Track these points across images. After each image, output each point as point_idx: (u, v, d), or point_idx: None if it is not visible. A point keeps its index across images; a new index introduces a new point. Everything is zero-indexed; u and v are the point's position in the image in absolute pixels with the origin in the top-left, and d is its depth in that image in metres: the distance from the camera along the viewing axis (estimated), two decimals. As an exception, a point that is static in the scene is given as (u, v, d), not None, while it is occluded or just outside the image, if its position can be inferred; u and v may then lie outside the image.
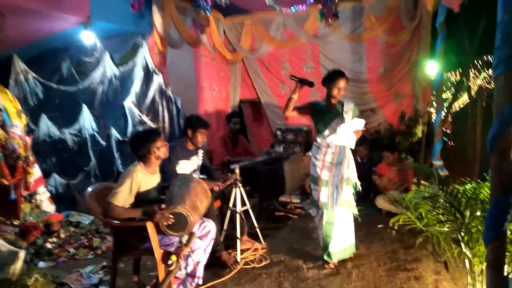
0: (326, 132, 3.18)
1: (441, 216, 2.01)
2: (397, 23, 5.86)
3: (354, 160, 5.15)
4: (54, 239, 4.01)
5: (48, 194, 4.53)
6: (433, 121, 7.85)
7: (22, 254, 2.73)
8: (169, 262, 2.42)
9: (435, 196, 1.97)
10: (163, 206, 2.54)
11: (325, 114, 3.20)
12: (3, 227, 3.90)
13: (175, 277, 2.72)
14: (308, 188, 5.17)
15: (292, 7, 4.64)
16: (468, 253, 1.92)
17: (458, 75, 7.82)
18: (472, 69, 8.31)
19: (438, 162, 4.05)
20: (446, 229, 1.97)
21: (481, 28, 6.47)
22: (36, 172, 4.36)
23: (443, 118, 6.99)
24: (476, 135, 6.24)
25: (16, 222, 4.07)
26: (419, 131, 5.75)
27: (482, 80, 7.94)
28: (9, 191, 4.02)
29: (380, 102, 6.21)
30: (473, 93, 7.64)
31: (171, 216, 2.52)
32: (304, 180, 4.99)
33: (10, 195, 4.02)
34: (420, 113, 5.72)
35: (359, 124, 3.15)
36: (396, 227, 2.27)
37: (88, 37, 4.47)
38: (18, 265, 2.67)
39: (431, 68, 7.12)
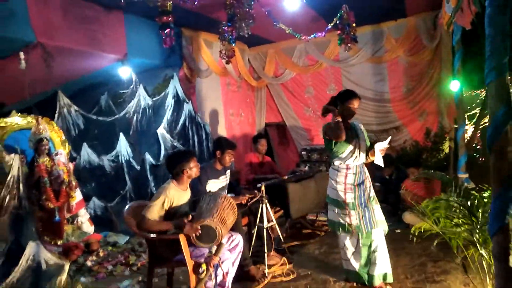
0: (346, 152, 3.09)
1: (456, 219, 2.08)
2: (417, 43, 6.01)
3: (382, 178, 5.24)
4: (94, 258, 4.27)
5: (88, 216, 4.85)
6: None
7: (67, 266, 2.97)
8: (200, 270, 2.58)
9: (448, 199, 2.05)
10: (190, 217, 2.74)
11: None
12: (48, 246, 4.21)
13: (206, 287, 2.87)
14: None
15: (312, 35, 4.85)
16: (484, 253, 1.96)
17: (484, 92, 7.73)
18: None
19: (463, 175, 4.04)
20: (460, 230, 2.02)
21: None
22: (77, 195, 4.71)
23: (471, 134, 6.94)
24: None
25: (59, 242, 4.38)
26: (446, 147, 5.72)
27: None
28: (54, 214, 4.36)
29: (404, 120, 6.26)
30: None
31: (200, 228, 2.70)
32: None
33: (55, 217, 4.36)
34: (446, 129, 5.71)
35: (386, 142, 3.10)
36: (416, 234, 2.34)
37: (125, 72, 4.90)
38: (63, 277, 2.91)
39: (455, 85, 7.13)
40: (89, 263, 4.12)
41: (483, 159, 7.39)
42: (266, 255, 3.58)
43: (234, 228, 3.27)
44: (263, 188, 3.73)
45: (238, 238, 3.15)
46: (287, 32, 4.41)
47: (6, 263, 2.80)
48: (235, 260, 3.07)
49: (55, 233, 4.40)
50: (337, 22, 4.74)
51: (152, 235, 2.85)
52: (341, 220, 3.10)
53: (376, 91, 6.39)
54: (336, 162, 3.16)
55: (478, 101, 8.42)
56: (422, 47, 5.92)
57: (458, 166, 4.19)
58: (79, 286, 2.98)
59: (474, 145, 7.16)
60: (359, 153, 3.11)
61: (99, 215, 5.21)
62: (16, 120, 4.60)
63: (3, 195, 2.84)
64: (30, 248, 2.81)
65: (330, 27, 4.69)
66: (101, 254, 4.40)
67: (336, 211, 3.15)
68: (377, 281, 3.04)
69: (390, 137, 3.16)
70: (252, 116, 7.27)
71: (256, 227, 3.80)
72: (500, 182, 1.42)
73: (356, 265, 3.12)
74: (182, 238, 2.72)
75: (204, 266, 2.59)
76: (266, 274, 3.47)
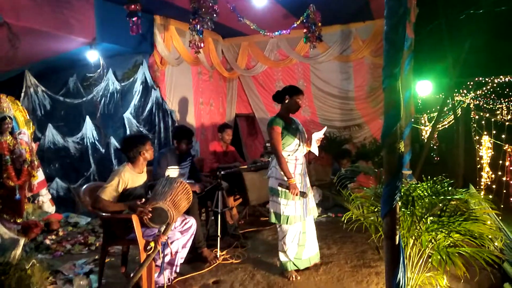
0: (293, 145, 3.23)
1: (371, 207, 2.33)
2: (382, 45, 6.29)
3: (338, 171, 5.53)
4: (53, 237, 4.36)
5: (50, 196, 4.92)
6: (422, 137, 8.19)
7: (21, 241, 3.08)
8: (148, 247, 2.75)
9: (363, 188, 2.32)
10: (143, 200, 2.89)
11: (289, 128, 3.26)
12: (8, 224, 4.27)
13: (156, 265, 3.04)
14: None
15: (276, 32, 5.02)
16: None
17: (445, 96, 8.17)
18: (464, 90, 8.71)
19: (407, 172, 4.36)
20: (370, 215, 2.28)
21: (464, 54, 6.90)
22: (39, 175, 4.76)
23: (429, 134, 7.37)
24: (459, 151, 6.53)
25: (19, 220, 4.44)
26: (402, 146, 6.05)
27: (471, 99, 8.28)
28: (15, 192, 4.41)
29: (366, 118, 6.57)
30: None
31: (151, 210, 2.84)
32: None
33: (15, 195, 4.41)
34: (402, 129, 6.04)
35: (322, 132, 3.38)
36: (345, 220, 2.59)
37: (93, 56, 4.93)
38: (18, 251, 3.01)
39: (420, 88, 7.49)
40: (47, 242, 4.20)
41: (438, 158, 7.89)
42: (219, 238, 3.78)
43: (189, 212, 3.45)
44: (220, 175, 3.90)
45: (192, 222, 3.32)
46: (251, 27, 4.57)
47: (-40, 236, 2.88)
48: (186, 242, 3.24)
49: (15, 211, 4.45)
50: (304, 20, 4.94)
51: (106, 214, 2.99)
52: (285, 212, 3.21)
53: (341, 88, 6.67)
54: (284, 154, 3.23)
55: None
56: (386, 49, 6.20)
57: (403, 163, 4.49)
58: (33, 261, 3.08)
59: (431, 145, 7.62)
60: (303, 145, 3.31)
61: (61, 195, 5.26)
62: (-21, 97, 4.58)
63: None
64: (-15, 222, 2.89)
65: (296, 25, 4.88)
66: (60, 233, 4.48)
67: (281, 203, 3.23)
68: (306, 263, 3.32)
69: (325, 128, 3.42)
70: (223, 107, 7.42)
71: (213, 212, 3.99)
72: (389, 172, 1.66)
73: (292, 255, 3.27)
74: (134, 218, 2.87)
75: (152, 244, 2.75)
76: (218, 257, 3.67)
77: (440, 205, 2.06)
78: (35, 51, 4.72)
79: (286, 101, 3.29)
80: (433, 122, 7.47)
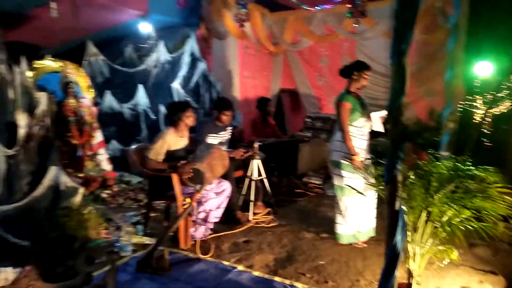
0: (362, 121, 3.29)
1: None
2: (433, 22, 6.01)
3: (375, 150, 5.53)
4: (109, 191, 4.91)
5: (107, 156, 5.46)
6: (473, 120, 7.78)
7: (81, 190, 3.56)
8: (184, 202, 3.09)
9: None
10: (182, 162, 3.22)
11: (357, 104, 3.30)
12: (71, 178, 4.86)
13: (192, 221, 3.39)
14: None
15: (317, 6, 5.03)
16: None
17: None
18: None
19: (444, 153, 4.29)
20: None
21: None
22: (98, 136, 5.30)
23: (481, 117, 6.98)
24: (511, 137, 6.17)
25: (80, 175, 5.02)
26: (446, 126, 5.86)
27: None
28: (77, 149, 4.99)
29: (411, 97, 6.38)
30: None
31: (190, 170, 3.17)
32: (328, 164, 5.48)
33: (77, 152, 4.99)
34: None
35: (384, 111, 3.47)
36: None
37: (146, 28, 5.30)
38: (78, 198, 3.51)
39: (479, 68, 7.07)
40: (103, 195, 4.76)
41: (490, 144, 7.45)
42: (252, 203, 4.06)
43: (226, 177, 3.74)
44: (256, 145, 4.13)
45: (226, 185, 3.63)
46: (292, 1, 4.62)
47: (32, 182, 3.38)
48: (221, 203, 3.56)
49: (77, 166, 5.02)
50: (348, -5, 4.89)
51: (151, 172, 3.37)
52: (349, 184, 3.20)
53: (388, 66, 6.46)
54: (353, 129, 3.26)
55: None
56: (437, 26, 5.93)
57: (440, 144, 4.43)
58: (90, 208, 3.56)
59: (483, 129, 7.21)
60: (369, 121, 3.39)
61: (117, 156, 5.82)
62: (48, 63, 5.14)
63: (31, 123, 3.36)
64: (52, 171, 3.39)
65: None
66: (115, 189, 5.03)
67: (344, 176, 3.27)
68: (366, 235, 3.40)
69: None
70: (267, 81, 7.55)
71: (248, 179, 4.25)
72: (392, 143, 1.77)
73: (354, 228, 3.32)
74: (174, 177, 3.22)
75: (188, 200, 3.10)
76: (250, 220, 3.97)
77: (456, 182, 2.13)
78: (93, 22, 5.18)
79: (354, 77, 3.28)
80: (487, 105, 7.05)
